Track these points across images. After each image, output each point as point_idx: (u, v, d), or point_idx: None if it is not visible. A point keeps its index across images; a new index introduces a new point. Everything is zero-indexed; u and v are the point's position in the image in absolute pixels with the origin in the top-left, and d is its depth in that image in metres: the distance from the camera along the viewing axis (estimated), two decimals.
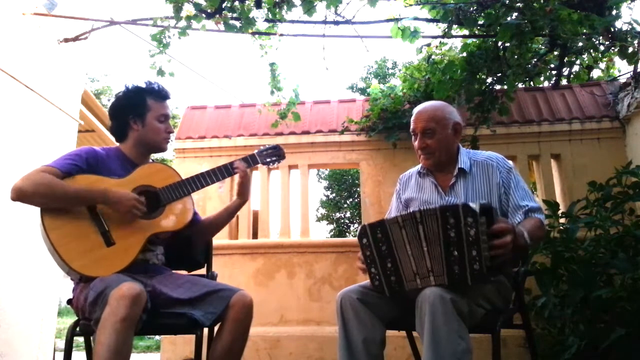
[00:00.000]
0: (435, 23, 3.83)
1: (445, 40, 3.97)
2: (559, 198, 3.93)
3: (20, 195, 1.65)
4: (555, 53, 4.38)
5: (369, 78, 17.18)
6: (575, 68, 5.03)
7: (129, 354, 1.48)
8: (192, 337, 1.67)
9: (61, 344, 3.61)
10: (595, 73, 5.19)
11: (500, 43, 3.57)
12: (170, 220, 1.84)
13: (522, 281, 1.83)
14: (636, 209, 3.23)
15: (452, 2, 3.50)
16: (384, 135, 4.09)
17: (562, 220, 2.84)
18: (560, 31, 3.21)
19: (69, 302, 1.78)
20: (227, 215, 2.04)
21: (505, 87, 3.80)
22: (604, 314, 2.52)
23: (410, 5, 3.77)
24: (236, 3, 3.41)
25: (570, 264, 2.59)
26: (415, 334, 1.61)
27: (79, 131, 4.35)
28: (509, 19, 3.09)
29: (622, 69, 5.84)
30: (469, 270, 1.45)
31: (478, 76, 3.77)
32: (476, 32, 3.79)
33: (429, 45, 4.00)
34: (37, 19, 3.44)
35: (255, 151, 2.04)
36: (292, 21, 3.57)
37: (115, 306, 1.44)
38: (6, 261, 3.05)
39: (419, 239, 1.52)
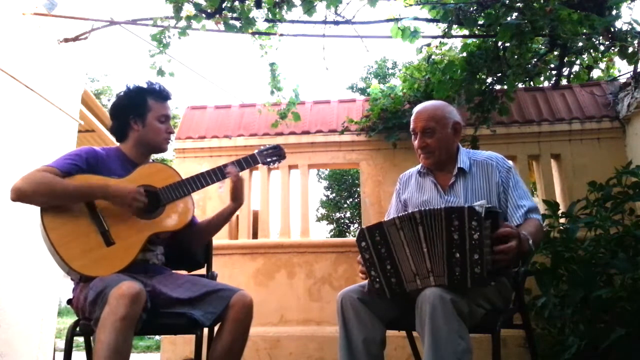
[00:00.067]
0: (435, 23, 3.84)
1: (445, 40, 3.97)
2: (559, 198, 3.93)
3: (20, 195, 1.64)
4: (555, 53, 4.38)
5: (369, 78, 17.18)
6: (575, 68, 5.04)
7: (128, 352, 1.47)
8: (192, 337, 1.67)
9: (61, 344, 3.61)
10: (595, 73, 5.20)
11: (500, 43, 3.57)
12: (170, 220, 1.84)
13: (522, 281, 1.83)
14: (636, 209, 3.23)
15: (452, 2, 3.50)
16: (384, 135, 4.09)
17: (562, 220, 2.84)
18: (560, 31, 3.21)
19: (69, 302, 1.78)
20: (222, 220, 2.01)
21: (505, 87, 3.81)
22: (604, 314, 2.52)
23: (410, 5, 3.77)
24: (236, 3, 3.41)
25: (570, 264, 2.59)
26: (415, 334, 1.61)
27: (79, 131, 4.35)
28: (509, 19, 3.09)
29: (622, 69, 5.85)
30: (470, 273, 1.45)
31: (478, 76, 3.78)
32: (476, 32, 3.79)
33: (429, 45, 4.00)
34: (37, 19, 3.44)
35: (256, 151, 2.04)
36: (292, 21, 3.57)
37: (115, 305, 1.44)
38: (6, 261, 3.05)
39: (419, 240, 1.52)
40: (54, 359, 3.63)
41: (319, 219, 17.07)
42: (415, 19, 3.42)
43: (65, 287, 3.97)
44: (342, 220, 17.29)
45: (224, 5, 3.33)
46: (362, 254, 1.60)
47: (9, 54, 3.14)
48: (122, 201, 1.73)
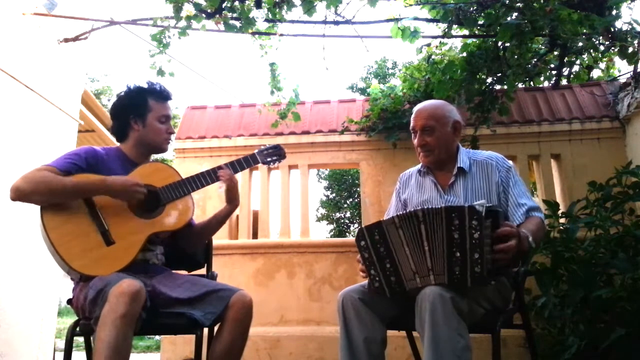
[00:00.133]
0: (435, 23, 3.84)
1: (445, 40, 3.97)
2: (559, 198, 3.93)
3: (20, 194, 1.64)
4: (555, 53, 4.38)
5: (369, 78, 17.18)
6: (575, 68, 5.04)
7: (128, 350, 1.47)
8: (192, 337, 1.67)
9: (61, 344, 3.61)
10: (595, 73, 5.20)
11: (500, 43, 3.57)
12: (170, 219, 1.84)
13: (522, 281, 1.83)
14: (636, 209, 3.23)
15: (452, 2, 3.50)
16: (384, 135, 4.09)
17: (562, 220, 2.84)
18: (560, 31, 3.21)
19: (69, 302, 1.78)
20: (217, 223, 2.01)
21: (505, 87, 3.81)
22: (604, 314, 2.52)
23: (410, 5, 3.77)
24: (236, 3, 3.41)
25: (570, 264, 2.59)
26: (415, 334, 1.61)
27: (79, 131, 4.35)
28: (509, 19, 3.09)
29: (622, 69, 5.85)
30: (470, 272, 1.45)
31: (478, 76, 3.78)
32: (476, 32, 3.79)
33: (429, 45, 4.00)
34: (37, 19, 3.44)
35: (256, 151, 2.05)
36: (292, 21, 3.57)
37: (115, 303, 1.44)
38: (6, 261, 3.05)
39: (420, 238, 1.52)
40: (54, 359, 3.62)
41: (319, 219, 17.08)
42: (415, 19, 3.42)
43: (65, 287, 3.97)
44: (342, 220, 17.29)
45: (224, 5, 3.33)
46: (362, 253, 1.60)
47: (9, 54, 3.14)
48: (123, 190, 1.72)
